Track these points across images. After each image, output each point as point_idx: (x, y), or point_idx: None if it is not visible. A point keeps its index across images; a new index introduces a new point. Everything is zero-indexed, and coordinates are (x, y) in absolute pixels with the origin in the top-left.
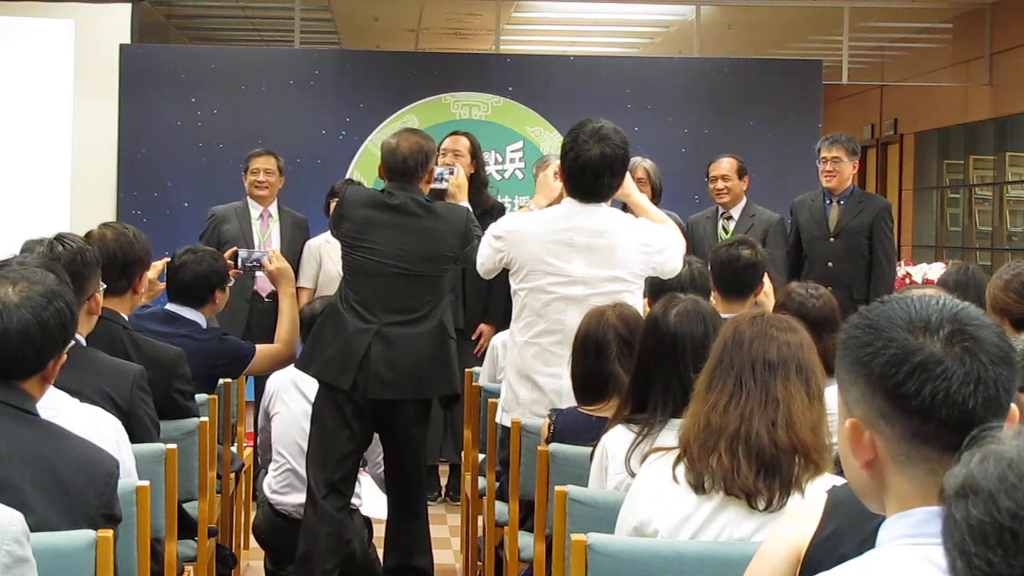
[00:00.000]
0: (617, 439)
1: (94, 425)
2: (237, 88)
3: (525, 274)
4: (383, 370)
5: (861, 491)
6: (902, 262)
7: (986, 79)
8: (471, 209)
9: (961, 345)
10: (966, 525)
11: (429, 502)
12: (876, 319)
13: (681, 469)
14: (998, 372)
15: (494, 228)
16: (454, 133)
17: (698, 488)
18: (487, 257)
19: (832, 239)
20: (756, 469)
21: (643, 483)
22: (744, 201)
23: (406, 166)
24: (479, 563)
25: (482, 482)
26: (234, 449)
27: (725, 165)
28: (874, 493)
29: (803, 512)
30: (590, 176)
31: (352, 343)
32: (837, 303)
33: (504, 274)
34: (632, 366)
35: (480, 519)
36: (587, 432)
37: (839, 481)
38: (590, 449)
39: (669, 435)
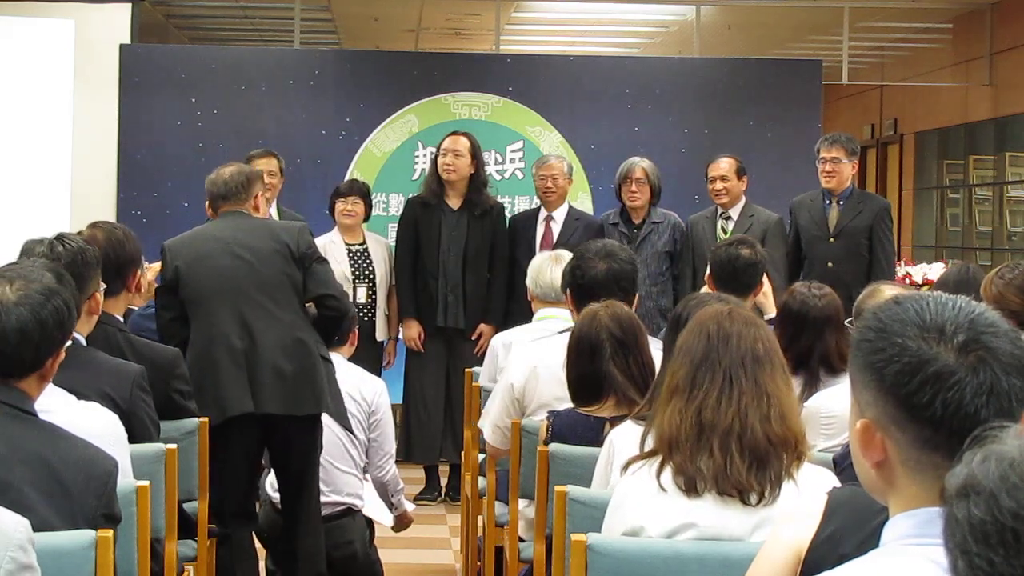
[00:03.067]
0: (625, 436)
1: (89, 423)
2: (237, 88)
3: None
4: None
5: (871, 489)
6: (902, 262)
7: (986, 79)
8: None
9: (975, 354)
10: (967, 525)
11: (428, 502)
12: (889, 323)
13: (667, 475)
14: (1012, 383)
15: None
16: (454, 133)
17: (690, 491)
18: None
19: (832, 239)
20: (749, 463)
21: (628, 493)
22: (743, 201)
23: (227, 189)
24: (479, 563)
25: (482, 482)
26: None
27: (724, 166)
28: (884, 492)
29: (803, 513)
30: (599, 293)
31: None
32: (842, 304)
33: (504, 274)
34: (626, 366)
35: (480, 519)
36: (586, 432)
37: (821, 470)
38: (590, 449)
39: None
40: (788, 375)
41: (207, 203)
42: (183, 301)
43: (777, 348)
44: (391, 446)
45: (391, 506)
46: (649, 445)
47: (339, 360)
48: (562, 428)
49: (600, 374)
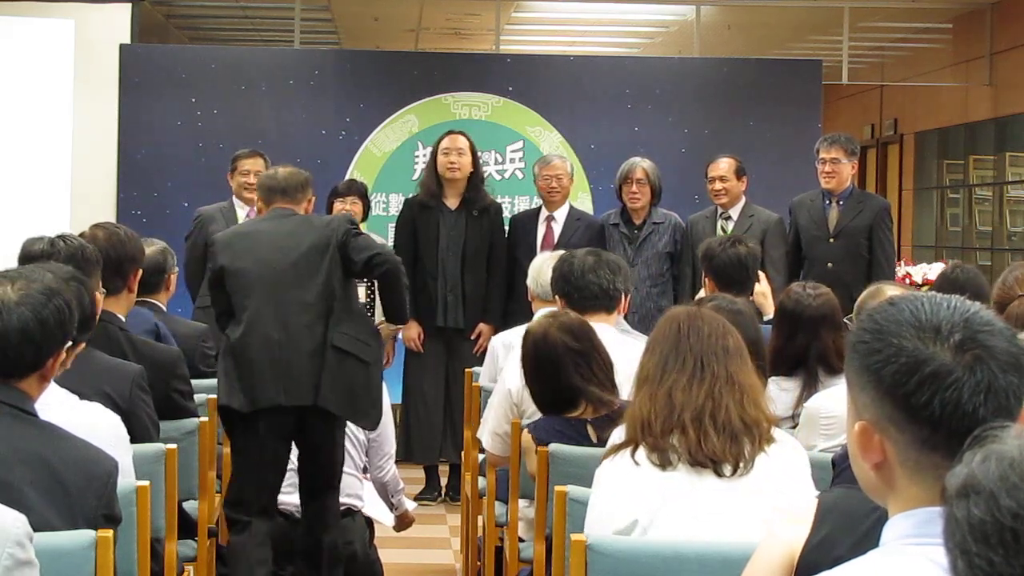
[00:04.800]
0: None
1: (91, 424)
2: (237, 88)
3: None
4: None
5: (870, 491)
6: (902, 262)
7: (986, 79)
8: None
9: (972, 353)
10: (967, 524)
11: (428, 502)
12: (885, 324)
13: (641, 453)
14: (1009, 380)
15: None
16: (451, 133)
17: (664, 465)
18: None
19: (831, 240)
20: (724, 440)
21: (604, 478)
22: (743, 201)
23: (286, 184)
24: (479, 563)
25: (482, 482)
26: None
27: (723, 166)
28: (883, 493)
29: (796, 516)
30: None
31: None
32: (839, 303)
33: (502, 273)
34: (591, 373)
35: (480, 519)
36: (569, 434)
37: (788, 448)
38: (590, 450)
39: None
40: (755, 372)
41: (258, 197)
42: (229, 295)
43: (745, 348)
44: (391, 447)
45: (391, 506)
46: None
47: None
48: (545, 437)
49: (570, 388)
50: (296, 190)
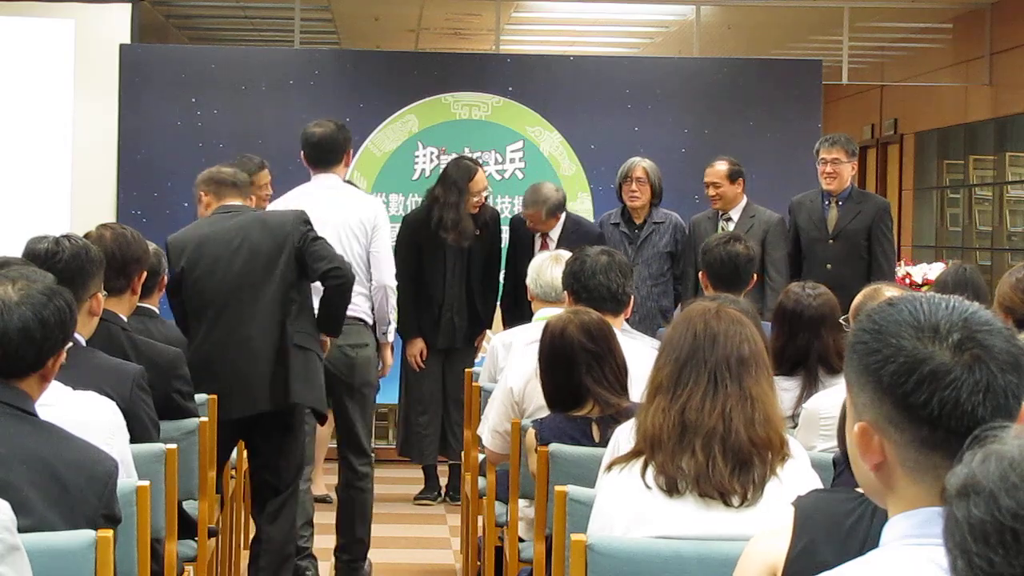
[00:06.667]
0: (630, 433)
1: (88, 414)
2: (237, 88)
3: None
4: None
5: (870, 492)
6: (902, 262)
7: (986, 79)
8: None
9: (971, 353)
10: (967, 524)
11: (428, 502)
12: (884, 324)
13: (650, 474)
14: (1007, 380)
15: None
16: (477, 168)
17: (672, 491)
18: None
19: (831, 241)
20: (732, 467)
21: (611, 495)
22: (744, 201)
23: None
24: (479, 563)
25: (482, 482)
26: None
27: (715, 171)
28: (883, 494)
29: (773, 529)
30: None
31: None
32: (838, 303)
33: (497, 275)
34: (602, 375)
35: (480, 519)
36: (573, 434)
37: (806, 466)
38: (590, 450)
39: None
40: (771, 377)
41: (206, 192)
42: (183, 301)
43: (761, 349)
44: (388, 277)
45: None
46: (632, 444)
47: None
48: (549, 436)
49: (580, 387)
50: (245, 184)
